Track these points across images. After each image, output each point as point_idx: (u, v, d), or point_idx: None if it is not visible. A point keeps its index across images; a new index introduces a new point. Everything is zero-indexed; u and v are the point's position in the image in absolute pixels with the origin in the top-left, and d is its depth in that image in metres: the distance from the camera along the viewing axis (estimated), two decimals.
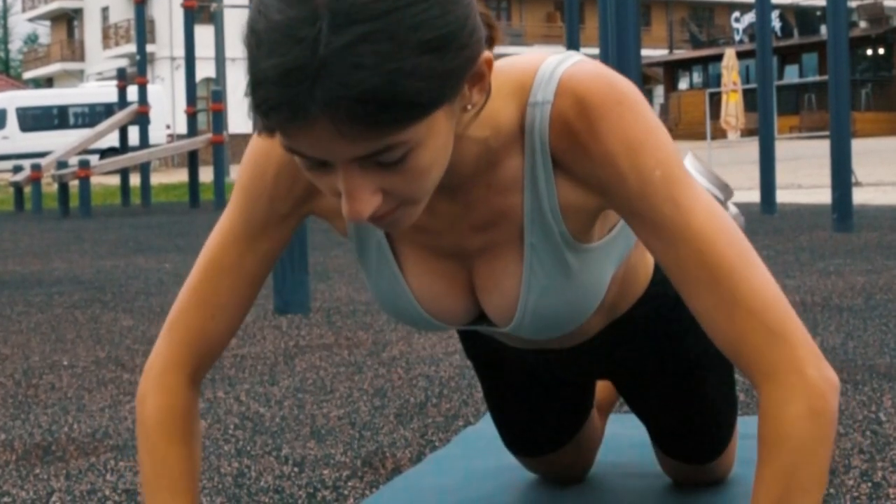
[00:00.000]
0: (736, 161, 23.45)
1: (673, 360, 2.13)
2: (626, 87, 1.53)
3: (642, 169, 1.51)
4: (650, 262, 1.98)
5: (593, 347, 2.02)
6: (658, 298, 2.00)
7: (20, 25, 78.21)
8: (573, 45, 15.20)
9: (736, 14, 48.36)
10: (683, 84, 48.16)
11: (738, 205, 9.20)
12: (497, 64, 1.53)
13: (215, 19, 30.83)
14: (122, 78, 22.03)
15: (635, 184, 1.52)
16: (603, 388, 2.66)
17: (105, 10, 57.44)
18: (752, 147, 16.18)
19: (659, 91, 53.81)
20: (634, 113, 1.52)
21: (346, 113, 1.26)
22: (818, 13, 41.78)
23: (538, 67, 1.56)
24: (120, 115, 21.37)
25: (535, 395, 2.28)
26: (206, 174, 21.58)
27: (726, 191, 2.56)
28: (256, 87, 1.29)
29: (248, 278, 1.73)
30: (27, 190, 20.67)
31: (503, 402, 2.32)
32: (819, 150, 21.21)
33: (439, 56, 1.30)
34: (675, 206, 1.51)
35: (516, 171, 1.59)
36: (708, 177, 2.55)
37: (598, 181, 1.55)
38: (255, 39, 1.30)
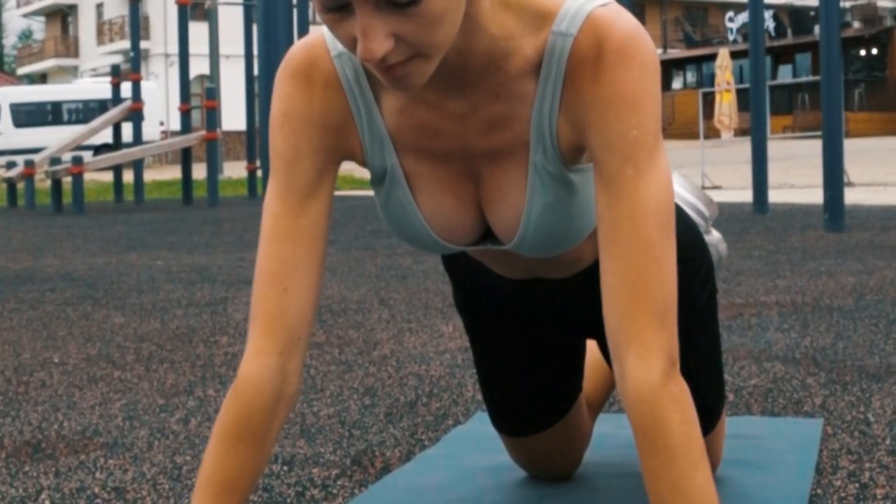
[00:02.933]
0: (729, 160, 23.47)
1: None
2: (645, 45, 1.61)
3: (623, 123, 1.59)
4: None
5: (582, 282, 2.07)
6: None
7: (14, 21, 78.12)
8: None
9: (730, 14, 48.45)
10: (677, 83, 48.20)
11: (730, 204, 9.24)
12: None
13: (210, 16, 30.85)
14: (116, 74, 22.00)
15: (612, 134, 1.60)
16: (592, 385, 2.67)
17: (99, 6, 57.37)
18: (745, 146, 16.19)
19: None
20: (640, 72, 1.59)
21: None
22: (812, 13, 41.81)
23: (566, 1, 1.64)
24: (114, 112, 21.33)
25: (525, 356, 2.30)
26: (199, 171, 21.57)
27: (711, 206, 2.57)
28: None
29: (309, 241, 1.76)
30: (20, 186, 20.64)
31: (492, 364, 2.34)
32: (812, 149, 21.23)
33: None
34: (635, 170, 1.59)
35: (528, 88, 1.67)
36: (693, 192, 2.56)
37: (583, 120, 1.64)
38: None
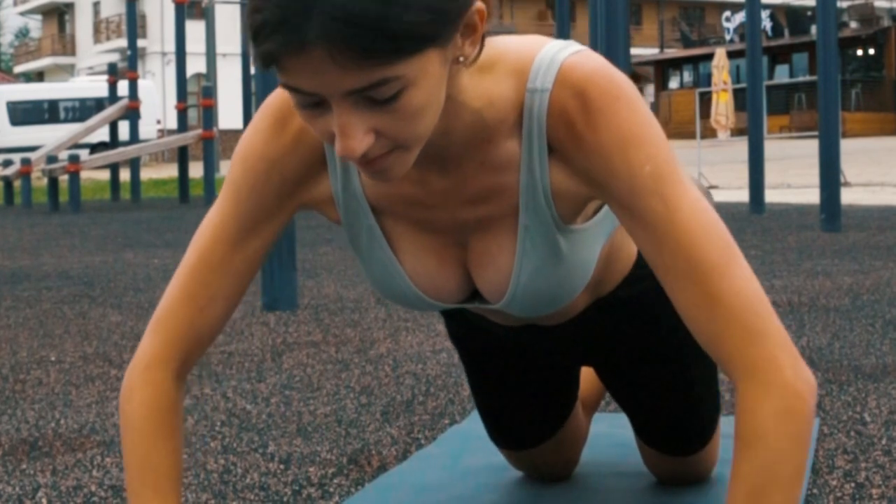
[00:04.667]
0: (726, 160, 23.49)
1: (657, 344, 2.15)
2: (625, 82, 1.57)
3: (633, 163, 1.54)
4: (635, 248, 2.00)
5: (578, 326, 2.05)
6: (643, 280, 2.01)
7: (11, 19, 78.16)
8: None
9: (727, 13, 48.46)
10: (674, 83, 48.20)
11: (727, 204, 9.26)
12: (495, 40, 1.57)
13: (207, 15, 30.80)
14: (113, 73, 22.00)
15: (625, 178, 1.54)
16: (588, 385, 2.67)
17: (96, 4, 57.34)
18: (742, 146, 16.21)
19: (649, 90, 53.82)
20: (630, 108, 1.55)
21: (341, 40, 1.29)
22: (809, 13, 41.83)
23: (538, 52, 1.59)
24: (110, 110, 21.33)
25: (520, 384, 2.29)
26: (195, 170, 21.58)
27: (707, 197, 2.57)
28: (254, 13, 1.32)
29: (238, 275, 1.74)
30: (17, 184, 20.64)
31: (488, 391, 2.33)
32: (808, 149, 21.25)
33: None
34: (663, 202, 1.53)
35: (512, 153, 1.62)
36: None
37: (590, 172, 1.58)
38: None
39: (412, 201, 1.68)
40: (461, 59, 1.45)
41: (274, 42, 1.32)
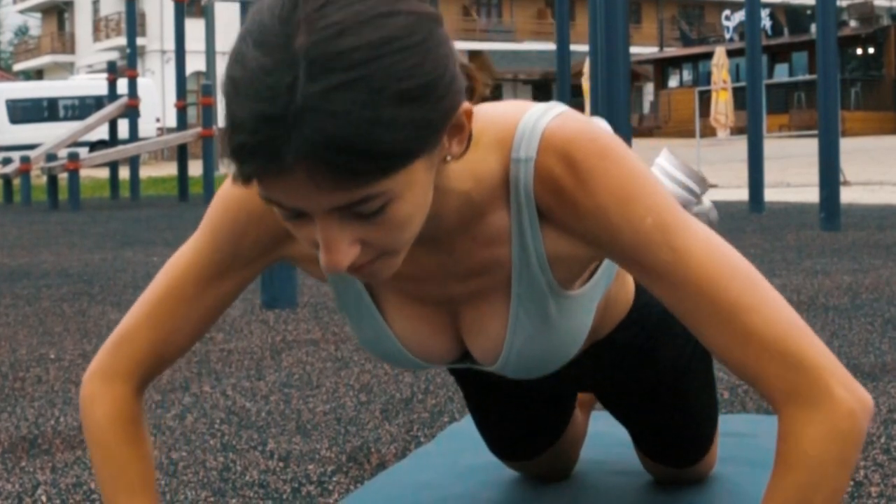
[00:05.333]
0: (725, 159, 23.49)
1: (654, 377, 2.15)
2: (608, 138, 1.52)
3: (633, 219, 1.49)
4: (631, 289, 1.98)
5: (574, 367, 2.03)
6: (639, 322, 2.01)
7: (11, 17, 78.13)
8: (563, 41, 15.21)
9: (726, 12, 48.46)
10: (673, 82, 48.19)
11: (726, 203, 9.23)
12: (476, 113, 1.50)
13: (206, 13, 30.79)
14: (113, 71, 21.99)
15: (629, 235, 1.50)
16: None
17: (96, 2, 57.34)
18: (742, 145, 16.21)
19: (649, 89, 53.82)
20: (619, 164, 1.50)
21: (322, 162, 1.24)
22: (808, 12, 41.82)
23: (519, 120, 1.54)
24: (110, 108, 21.32)
25: (517, 403, 2.29)
26: (195, 168, 21.57)
27: (703, 184, 2.58)
28: (232, 133, 1.26)
29: (206, 310, 1.72)
30: (16, 182, 20.63)
31: (484, 409, 2.33)
32: (808, 148, 21.24)
33: (418, 106, 1.28)
34: (672, 251, 1.49)
35: (502, 225, 1.58)
36: (684, 171, 2.57)
37: (590, 234, 1.54)
38: (233, 86, 1.28)
39: (402, 276, 1.65)
40: (448, 157, 1.40)
41: (253, 165, 1.26)
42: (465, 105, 1.38)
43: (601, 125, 1.55)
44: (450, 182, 1.49)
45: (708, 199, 2.63)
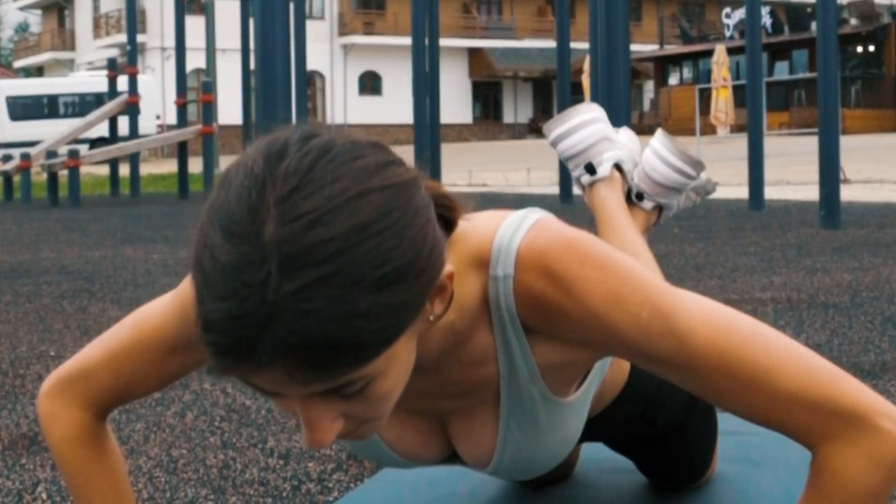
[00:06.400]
0: (725, 157, 23.48)
1: (654, 433, 2.16)
2: (583, 242, 1.48)
3: (629, 317, 1.44)
4: (626, 366, 1.96)
5: None
6: (637, 395, 2.01)
7: (11, 14, 78.08)
8: (563, 39, 15.22)
9: (727, 10, 48.42)
10: (673, 80, 48.18)
11: (726, 201, 9.20)
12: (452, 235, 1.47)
13: (206, 10, 30.79)
14: (113, 68, 21.98)
15: (627, 333, 1.45)
16: None
17: None
18: (742, 143, 16.21)
19: (649, 86, 53.82)
20: (601, 267, 1.45)
21: (299, 360, 1.20)
22: (808, 10, 41.82)
23: (493, 236, 1.49)
24: (110, 105, 21.32)
25: None
26: (195, 165, 21.55)
27: (698, 167, 2.58)
28: (205, 330, 1.22)
29: (169, 373, 1.69)
30: (16, 179, 20.63)
31: None
32: (808, 146, 21.24)
33: (396, 289, 1.23)
34: (675, 337, 1.44)
35: (487, 344, 1.54)
36: (678, 155, 2.57)
37: (586, 339, 1.50)
38: (202, 277, 1.23)
39: None
40: (431, 318, 1.35)
41: (227, 362, 1.22)
42: (447, 269, 1.33)
43: (579, 233, 1.49)
44: (435, 322, 1.42)
45: (704, 174, 2.64)
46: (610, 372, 1.89)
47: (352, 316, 1.19)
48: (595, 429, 2.02)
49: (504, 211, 1.56)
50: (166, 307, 1.65)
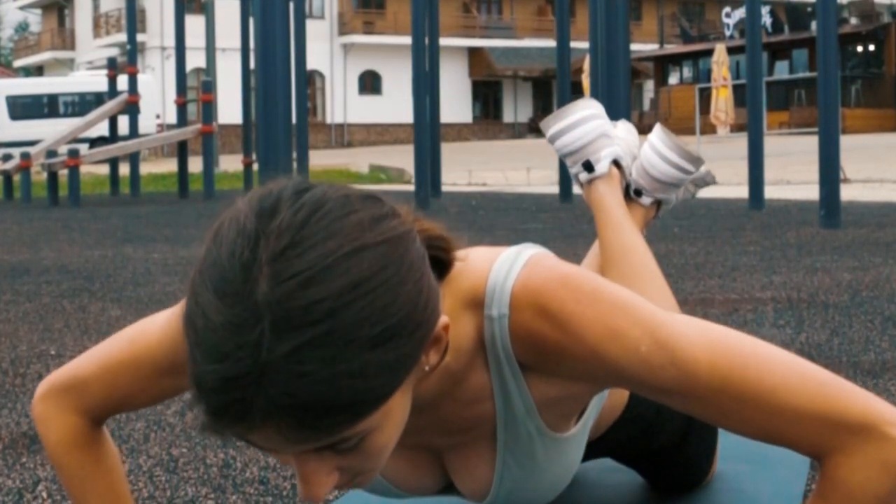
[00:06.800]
0: (725, 156, 23.48)
1: (651, 450, 2.17)
2: (577, 279, 1.47)
3: (628, 351, 1.43)
4: (625, 396, 1.96)
5: None
6: (636, 419, 2.01)
7: (11, 13, 78.08)
8: (563, 38, 15.21)
9: (727, 9, 48.43)
10: (673, 79, 48.19)
11: (726, 200, 9.20)
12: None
13: (206, 10, 30.79)
14: (113, 67, 21.98)
15: (627, 366, 1.44)
16: None
17: None
18: (742, 142, 16.21)
19: (649, 86, 53.81)
20: (597, 303, 1.45)
21: (293, 421, 1.19)
22: (809, 9, 41.83)
23: (487, 276, 1.48)
24: (110, 105, 21.32)
25: None
26: (195, 164, 21.55)
27: (696, 163, 2.58)
28: (198, 392, 1.21)
29: (163, 391, 1.69)
30: (16, 179, 20.63)
31: None
32: (808, 146, 21.24)
33: (392, 346, 1.22)
34: (676, 367, 1.43)
35: (483, 383, 1.53)
36: (677, 151, 2.57)
37: (586, 374, 1.49)
38: (195, 337, 1.22)
39: None
40: (427, 368, 1.33)
41: (221, 423, 1.22)
42: (443, 320, 1.32)
43: (572, 269, 1.49)
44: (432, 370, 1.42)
45: (703, 168, 2.63)
46: (609, 400, 1.89)
47: (346, 376, 1.18)
48: (594, 451, 2.03)
49: (497, 248, 1.54)
50: (163, 329, 1.64)
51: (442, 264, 1.42)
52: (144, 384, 1.67)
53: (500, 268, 1.49)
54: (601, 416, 1.90)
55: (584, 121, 2.54)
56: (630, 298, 1.47)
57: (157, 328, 1.65)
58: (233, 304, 1.19)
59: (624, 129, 2.65)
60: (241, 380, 1.18)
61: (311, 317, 1.17)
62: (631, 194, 2.58)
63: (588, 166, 2.52)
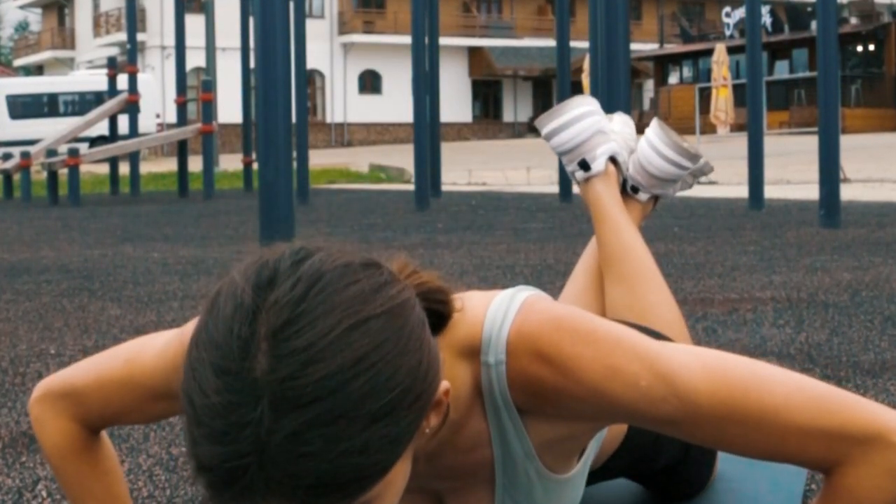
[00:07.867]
0: (725, 156, 23.48)
1: (652, 470, 2.17)
2: (572, 320, 1.47)
3: (628, 387, 1.43)
4: (623, 427, 1.95)
5: None
6: (635, 448, 2.00)
7: (11, 13, 78.06)
8: (563, 38, 15.21)
9: (727, 9, 48.44)
10: (673, 79, 48.18)
11: (726, 200, 9.20)
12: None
13: (206, 9, 30.79)
14: (113, 66, 21.99)
15: (628, 402, 1.44)
16: None
17: None
18: (742, 142, 16.21)
19: (649, 85, 53.81)
20: (593, 344, 1.44)
21: (295, 498, 1.18)
22: (809, 9, 41.83)
23: (483, 323, 1.48)
24: (110, 104, 21.32)
25: None
26: (195, 164, 21.55)
27: (694, 159, 2.56)
28: (199, 470, 1.20)
29: (158, 412, 1.68)
30: (16, 178, 20.63)
31: None
32: (808, 145, 21.24)
33: (393, 419, 1.21)
34: (677, 398, 1.44)
35: (481, 430, 1.53)
36: (673, 147, 2.56)
37: (587, 413, 1.49)
38: (193, 414, 1.20)
39: None
40: (427, 431, 1.32)
41: (223, 501, 1.20)
42: (443, 385, 1.31)
43: (566, 311, 1.48)
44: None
45: (702, 159, 2.62)
46: (608, 434, 1.88)
47: (348, 454, 1.17)
48: (596, 478, 2.03)
49: (491, 292, 1.53)
50: (161, 353, 1.63)
51: (440, 317, 1.42)
52: (139, 404, 1.67)
53: (494, 314, 1.48)
54: (601, 448, 1.90)
55: (579, 118, 2.52)
56: (625, 334, 1.47)
57: (154, 352, 1.64)
58: (231, 381, 1.17)
59: (620, 122, 2.64)
60: (241, 460, 1.17)
61: (311, 396, 1.16)
62: (628, 190, 2.57)
63: (584, 165, 2.51)
